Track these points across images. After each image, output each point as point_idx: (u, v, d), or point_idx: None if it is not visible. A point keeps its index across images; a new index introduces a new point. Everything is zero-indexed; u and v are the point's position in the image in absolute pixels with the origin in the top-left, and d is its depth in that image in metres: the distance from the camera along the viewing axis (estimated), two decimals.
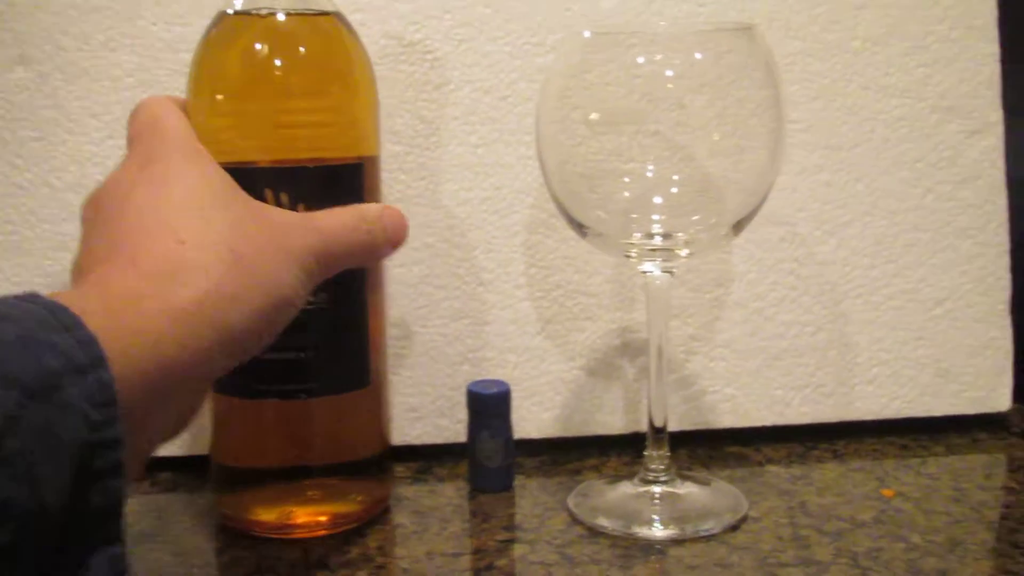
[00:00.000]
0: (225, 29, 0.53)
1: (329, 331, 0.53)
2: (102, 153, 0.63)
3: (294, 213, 0.46)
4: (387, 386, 0.58)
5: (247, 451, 0.56)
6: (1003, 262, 0.67)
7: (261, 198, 0.49)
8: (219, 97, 0.52)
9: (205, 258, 0.40)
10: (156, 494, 0.60)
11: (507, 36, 0.64)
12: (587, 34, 0.54)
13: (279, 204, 0.51)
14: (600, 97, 0.54)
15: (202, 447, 0.58)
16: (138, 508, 0.58)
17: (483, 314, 0.65)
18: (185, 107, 0.50)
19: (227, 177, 0.44)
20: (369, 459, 0.56)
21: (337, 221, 0.46)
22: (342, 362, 0.54)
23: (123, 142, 0.61)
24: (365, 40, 0.62)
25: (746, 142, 0.53)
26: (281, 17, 0.53)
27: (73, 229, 0.62)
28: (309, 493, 0.55)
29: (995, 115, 0.67)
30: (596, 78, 0.54)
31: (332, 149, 0.53)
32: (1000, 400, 0.67)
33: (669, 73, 0.53)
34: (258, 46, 0.53)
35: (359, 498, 0.56)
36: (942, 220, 0.67)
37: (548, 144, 0.54)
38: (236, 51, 0.53)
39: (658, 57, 0.53)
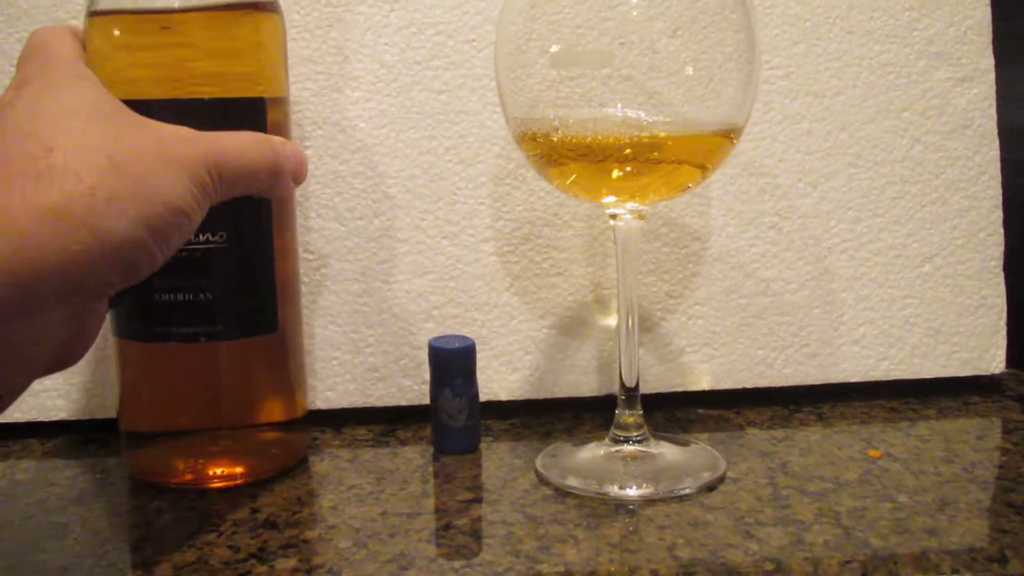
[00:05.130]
0: None
1: (232, 271, 0.51)
2: None
3: (187, 128, 0.43)
4: (300, 332, 0.56)
5: (153, 402, 0.53)
6: (996, 216, 0.64)
7: None
8: (116, 32, 0.49)
9: (76, 162, 0.38)
10: (104, 456, 0.57)
11: None
12: None
13: None
14: (569, 39, 0.51)
15: None
16: (79, 470, 0.55)
17: (448, 269, 0.61)
18: (82, 36, 0.48)
19: (111, 97, 0.43)
20: (281, 408, 0.54)
21: (235, 137, 0.45)
22: (246, 304, 0.51)
23: None
24: None
25: (720, 87, 0.50)
26: None
27: None
28: (220, 444, 0.52)
29: (986, 62, 0.64)
30: (564, 18, 0.51)
31: (231, 88, 0.50)
32: (993, 362, 0.64)
33: (638, 13, 0.49)
34: None
35: (273, 450, 0.54)
36: (931, 172, 0.64)
37: (510, 88, 0.51)
38: None
39: None
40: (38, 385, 0.60)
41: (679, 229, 0.62)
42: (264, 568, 0.43)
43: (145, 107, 0.48)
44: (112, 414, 0.60)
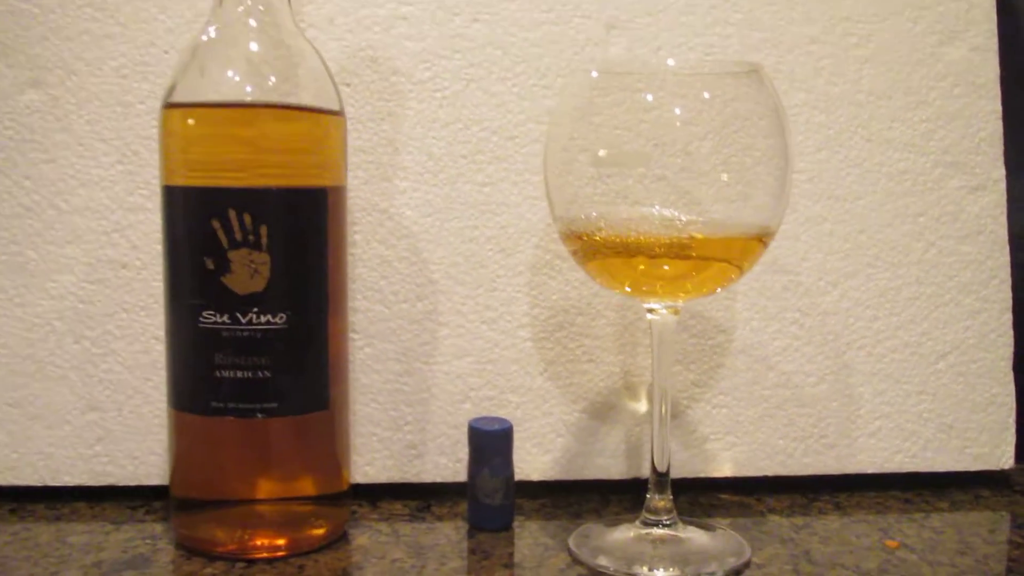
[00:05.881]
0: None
1: (289, 351, 0.53)
2: (110, 177, 0.62)
3: None
4: (347, 412, 0.58)
5: (205, 472, 0.55)
6: (1006, 319, 0.67)
7: (225, 218, 0.51)
8: (191, 122, 0.53)
9: None
10: (151, 522, 0.59)
11: (515, 78, 0.65)
12: (594, 74, 0.54)
13: (242, 225, 0.52)
14: (607, 139, 0.54)
15: None
16: (129, 535, 0.57)
17: (486, 353, 0.64)
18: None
19: None
20: (326, 483, 0.56)
21: None
22: (301, 383, 0.54)
23: (132, 167, 0.62)
24: (375, 77, 0.63)
25: (751, 189, 0.53)
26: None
27: (77, 252, 0.62)
28: (267, 515, 0.55)
29: (997, 172, 0.67)
30: (603, 120, 0.54)
31: (297, 178, 0.54)
32: (1003, 457, 0.67)
33: (676, 114, 0.53)
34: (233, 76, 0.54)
35: (319, 522, 0.56)
36: (945, 274, 0.67)
37: (555, 184, 0.54)
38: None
39: (665, 99, 0.53)
40: (88, 451, 0.62)
41: (706, 322, 0.65)
42: None
43: (216, 194, 0.52)
44: (158, 481, 0.62)
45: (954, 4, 0.67)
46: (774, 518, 0.61)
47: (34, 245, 0.62)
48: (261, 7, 0.54)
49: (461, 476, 0.63)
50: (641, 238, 0.52)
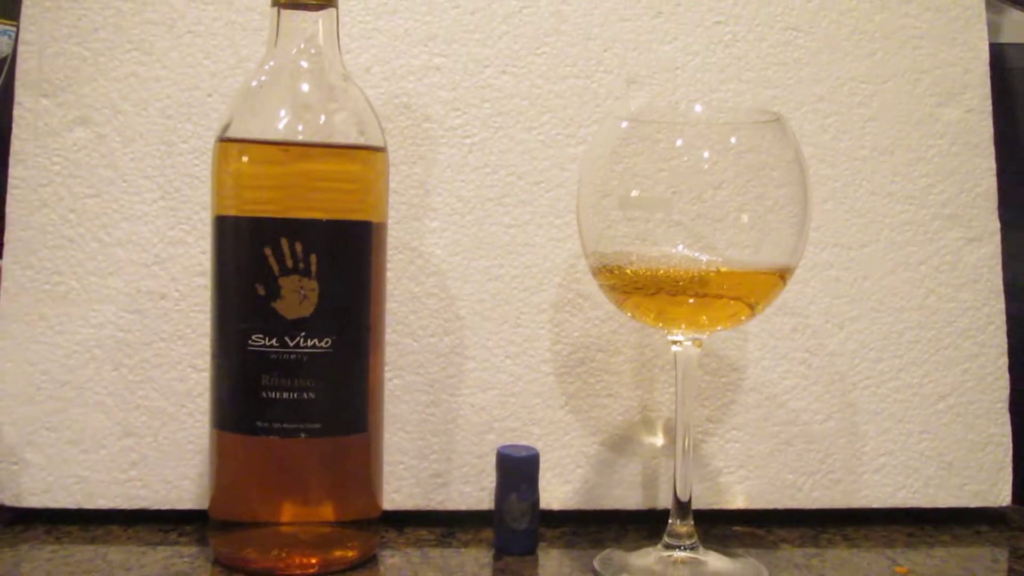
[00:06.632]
0: None
1: (333, 374, 0.56)
2: (152, 212, 0.65)
3: None
4: (382, 435, 0.60)
5: (245, 491, 0.57)
6: (1002, 363, 0.71)
7: (277, 246, 0.54)
8: (245, 158, 0.56)
9: None
10: (184, 544, 0.61)
11: (541, 127, 0.68)
12: (624, 124, 0.58)
13: (292, 252, 0.54)
14: (629, 185, 0.57)
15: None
16: (167, 554, 0.59)
17: (510, 386, 0.67)
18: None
19: None
20: (362, 506, 0.58)
21: None
22: (343, 405, 0.57)
23: (174, 203, 0.65)
24: (408, 123, 0.67)
25: (765, 236, 0.56)
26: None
27: (118, 283, 0.64)
28: (305, 535, 0.57)
29: (992, 224, 0.71)
30: (627, 167, 0.58)
31: (344, 211, 0.57)
32: (1000, 495, 0.70)
33: (699, 160, 0.56)
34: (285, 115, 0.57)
35: (351, 544, 0.58)
36: (944, 320, 0.71)
37: (585, 226, 0.58)
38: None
39: (686, 146, 0.56)
40: (123, 475, 0.64)
41: (719, 360, 0.68)
42: None
43: (269, 224, 0.55)
44: (191, 506, 0.64)
45: (951, 68, 0.72)
46: (786, 547, 0.64)
47: (77, 275, 0.65)
48: (312, 50, 0.57)
49: (485, 504, 0.65)
50: (669, 271, 0.55)
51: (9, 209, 0.65)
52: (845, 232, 0.70)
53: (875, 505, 0.69)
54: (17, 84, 0.66)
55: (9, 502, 0.64)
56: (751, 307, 0.57)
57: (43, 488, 0.64)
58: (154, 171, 0.66)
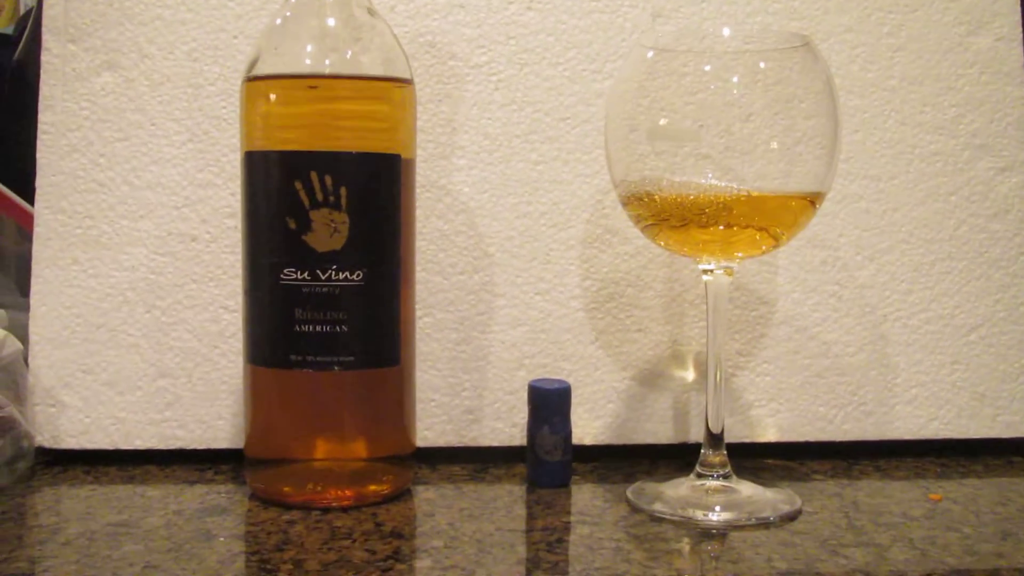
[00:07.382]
0: None
1: (365, 307, 0.56)
2: (181, 155, 0.65)
3: None
4: (414, 370, 0.61)
5: (281, 425, 0.58)
6: None
7: (307, 179, 0.54)
8: (272, 95, 0.56)
9: None
10: (221, 483, 0.62)
11: (567, 62, 0.68)
12: (650, 54, 0.57)
13: (323, 185, 0.55)
14: (657, 117, 0.57)
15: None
16: (205, 490, 0.60)
17: (540, 322, 0.67)
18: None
19: None
20: (396, 441, 0.59)
21: None
22: (375, 338, 0.57)
23: (203, 146, 0.65)
24: (434, 61, 0.67)
25: (794, 166, 0.56)
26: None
27: (149, 226, 0.65)
28: (336, 470, 0.57)
29: (1023, 154, 0.71)
30: (654, 100, 0.57)
31: (374, 144, 0.57)
32: None
33: (728, 89, 0.56)
34: (312, 49, 0.57)
35: (386, 478, 0.58)
36: (975, 251, 0.70)
37: (613, 158, 0.58)
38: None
39: (714, 74, 0.56)
40: (158, 415, 0.65)
41: (749, 294, 0.68)
42: (403, 566, 0.48)
43: (299, 158, 0.55)
44: (226, 445, 0.65)
45: None
46: (818, 478, 0.64)
47: (108, 219, 0.65)
48: None
49: (517, 440, 0.65)
50: (698, 197, 0.55)
51: (40, 155, 0.65)
52: (874, 163, 0.70)
53: (907, 437, 0.69)
54: (44, 30, 0.66)
55: (48, 444, 0.64)
56: (776, 238, 0.57)
57: (80, 430, 0.64)
58: (182, 114, 0.66)
